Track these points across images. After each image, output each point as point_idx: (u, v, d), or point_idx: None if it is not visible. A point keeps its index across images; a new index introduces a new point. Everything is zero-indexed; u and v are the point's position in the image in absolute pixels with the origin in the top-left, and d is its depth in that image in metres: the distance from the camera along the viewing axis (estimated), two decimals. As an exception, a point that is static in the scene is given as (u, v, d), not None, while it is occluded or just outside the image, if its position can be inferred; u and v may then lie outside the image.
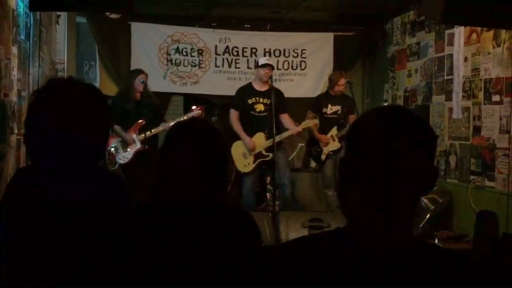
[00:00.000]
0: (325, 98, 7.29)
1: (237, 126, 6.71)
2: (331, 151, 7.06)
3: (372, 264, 1.21)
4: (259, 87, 6.72)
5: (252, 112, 6.69)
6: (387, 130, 1.24)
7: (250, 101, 6.70)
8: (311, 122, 6.88)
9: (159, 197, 1.90)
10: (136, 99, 6.68)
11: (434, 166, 1.29)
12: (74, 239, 1.53)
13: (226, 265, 1.76)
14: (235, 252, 1.78)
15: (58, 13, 6.15)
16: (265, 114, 6.63)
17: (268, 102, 6.60)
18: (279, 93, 6.75)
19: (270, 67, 6.69)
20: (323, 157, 7.11)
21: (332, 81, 7.28)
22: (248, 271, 1.47)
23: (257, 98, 6.69)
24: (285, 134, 6.74)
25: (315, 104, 7.39)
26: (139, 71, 6.83)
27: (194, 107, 6.96)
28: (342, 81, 7.14)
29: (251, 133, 6.68)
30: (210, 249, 1.78)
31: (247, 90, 6.80)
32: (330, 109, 7.17)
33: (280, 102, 6.68)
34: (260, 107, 6.69)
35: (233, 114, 6.77)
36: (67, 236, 1.52)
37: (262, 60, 6.88)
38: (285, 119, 6.76)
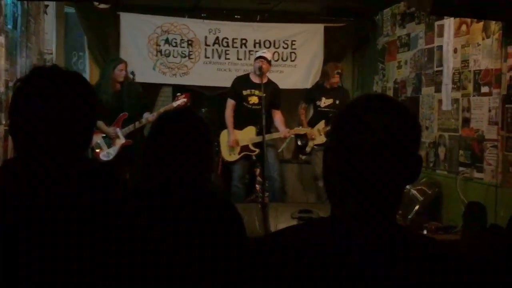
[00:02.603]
0: (319, 90, 7.28)
1: (229, 119, 6.71)
2: (316, 145, 7.06)
3: (357, 253, 1.21)
4: (255, 79, 6.72)
5: (245, 104, 6.69)
6: (371, 119, 1.24)
7: (245, 92, 6.70)
8: (303, 130, 6.92)
9: (146, 181, 2.00)
10: (114, 90, 6.53)
11: (418, 155, 1.29)
12: (61, 229, 1.51)
13: (207, 247, 1.83)
14: (215, 237, 1.84)
15: (46, 2, 6.11)
16: (258, 107, 6.63)
17: (262, 96, 6.60)
18: (275, 88, 6.76)
19: (263, 59, 6.67)
20: (308, 149, 7.14)
21: (327, 73, 7.27)
22: (231, 256, 1.48)
23: (252, 90, 6.70)
24: (274, 135, 6.77)
25: (307, 96, 7.40)
26: (119, 60, 6.70)
27: (179, 94, 6.90)
28: (336, 78, 7.15)
29: (242, 125, 6.68)
30: (192, 230, 1.85)
31: (243, 81, 6.81)
32: (324, 102, 7.16)
33: (275, 98, 6.69)
34: (254, 99, 6.69)
35: (229, 104, 6.80)
36: (54, 225, 1.51)
37: (259, 53, 6.90)
38: (277, 116, 6.78)
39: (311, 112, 7.47)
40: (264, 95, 6.51)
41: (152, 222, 1.82)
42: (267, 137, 6.53)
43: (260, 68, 6.59)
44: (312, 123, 7.14)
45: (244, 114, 6.69)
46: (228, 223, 1.93)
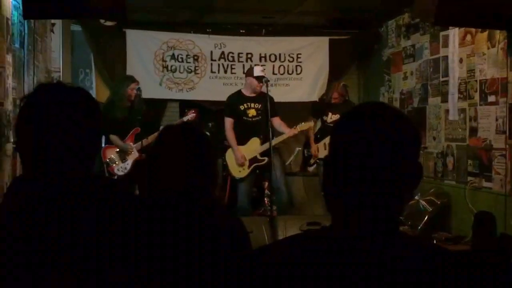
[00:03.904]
0: (325, 105, 7.28)
1: (230, 136, 6.73)
2: (319, 159, 7.07)
3: (360, 262, 1.20)
4: (249, 93, 6.76)
5: (245, 118, 6.71)
6: (370, 128, 1.24)
7: (242, 107, 6.73)
8: (306, 124, 6.86)
9: (151, 191, 2.09)
10: (127, 107, 6.66)
11: (418, 163, 1.29)
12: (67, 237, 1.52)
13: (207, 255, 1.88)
14: (219, 251, 1.86)
15: (52, 21, 6.16)
16: (257, 118, 6.67)
17: (260, 107, 6.64)
18: (269, 97, 6.76)
19: (264, 79, 6.70)
20: (312, 161, 7.14)
21: (328, 92, 7.34)
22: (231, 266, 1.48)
23: (249, 104, 6.72)
24: (281, 138, 6.74)
25: (315, 110, 7.42)
26: (131, 79, 6.83)
27: (187, 110, 6.99)
28: (336, 94, 7.16)
29: (245, 139, 6.69)
30: (195, 244, 1.90)
31: (237, 97, 6.83)
32: (330, 117, 7.17)
33: (271, 106, 6.70)
34: (252, 112, 6.72)
35: (228, 122, 6.79)
36: (65, 241, 1.52)
37: (257, 71, 6.84)
38: (277, 122, 6.78)
39: (318, 125, 7.47)
40: (261, 105, 6.57)
41: (153, 237, 1.83)
42: (276, 141, 6.56)
43: (258, 89, 6.65)
44: (319, 138, 7.13)
45: (246, 128, 6.72)
46: (233, 238, 1.94)
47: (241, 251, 1.92)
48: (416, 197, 5.93)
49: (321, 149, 7.05)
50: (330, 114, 7.16)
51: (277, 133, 6.80)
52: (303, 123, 6.87)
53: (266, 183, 6.92)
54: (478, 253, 4.55)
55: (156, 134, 6.44)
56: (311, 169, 7.39)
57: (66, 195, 1.56)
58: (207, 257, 1.85)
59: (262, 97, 6.66)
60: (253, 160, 6.69)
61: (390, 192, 1.24)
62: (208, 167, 2.12)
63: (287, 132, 6.72)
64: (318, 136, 7.18)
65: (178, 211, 1.97)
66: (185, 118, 6.78)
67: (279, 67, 8.44)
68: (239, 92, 6.90)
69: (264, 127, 6.53)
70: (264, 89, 6.67)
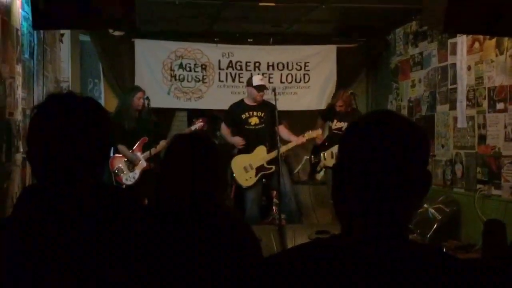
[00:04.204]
0: (333, 112, 7.28)
1: (226, 133, 6.84)
2: (326, 167, 7.06)
3: (368, 270, 1.20)
4: (250, 102, 6.79)
5: (247, 127, 6.73)
6: (377, 135, 1.24)
7: (243, 116, 6.74)
8: (314, 132, 6.85)
9: (160, 200, 2.11)
10: (135, 117, 6.68)
11: (427, 171, 1.28)
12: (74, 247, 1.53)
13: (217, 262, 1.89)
14: (231, 257, 1.87)
15: (61, 31, 6.20)
16: (260, 126, 6.68)
17: (263, 115, 6.65)
18: (272, 106, 6.76)
19: (264, 88, 6.73)
20: (318, 168, 7.12)
21: (335, 98, 7.35)
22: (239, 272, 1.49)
23: (250, 112, 6.74)
24: (288, 146, 6.74)
25: (323, 114, 7.43)
26: (138, 89, 6.86)
27: (195, 119, 7.01)
28: (340, 102, 7.15)
29: (251, 147, 6.70)
30: (207, 250, 1.92)
31: (239, 106, 6.86)
32: (335, 124, 7.16)
33: (274, 115, 6.70)
34: (254, 120, 6.74)
35: (224, 127, 6.91)
36: (77, 250, 1.52)
37: (256, 81, 6.85)
38: (282, 130, 6.76)
39: (326, 133, 7.47)
40: (263, 113, 6.62)
41: (167, 244, 1.84)
42: (285, 148, 6.57)
43: (258, 99, 6.69)
44: (326, 145, 7.12)
45: (249, 137, 6.72)
46: (244, 244, 1.95)
47: (245, 254, 1.93)
48: (425, 205, 5.92)
49: (329, 158, 7.03)
50: (335, 121, 7.15)
51: (283, 142, 6.79)
52: (310, 131, 6.87)
53: (275, 192, 6.91)
54: (488, 261, 4.53)
55: (164, 143, 6.54)
56: (319, 176, 7.37)
57: (76, 204, 1.57)
58: (207, 258, 1.86)
59: (265, 106, 6.68)
60: (260, 168, 6.68)
61: (396, 198, 1.24)
62: (216, 175, 2.13)
63: (294, 140, 6.72)
64: (326, 144, 7.17)
65: (182, 217, 1.99)
66: (193, 127, 6.79)
67: (287, 75, 8.45)
68: (241, 101, 6.92)
69: (268, 135, 6.53)
70: (266, 97, 6.71)
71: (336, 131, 7.09)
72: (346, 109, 7.14)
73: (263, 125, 6.66)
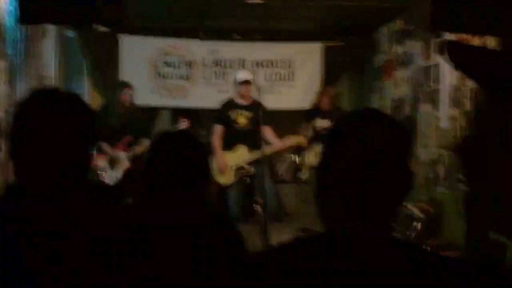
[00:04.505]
0: (315, 111, 7.31)
1: (216, 142, 6.71)
2: (310, 166, 7.08)
3: (351, 268, 1.21)
4: (240, 100, 6.75)
5: (234, 125, 6.71)
6: (363, 134, 1.26)
7: (232, 115, 6.72)
8: (296, 139, 6.87)
9: (145, 200, 2.11)
10: (121, 113, 6.60)
11: (409, 169, 1.30)
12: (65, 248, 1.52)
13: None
14: (216, 255, 1.89)
15: (47, 27, 6.15)
16: (248, 127, 6.65)
17: (250, 116, 6.62)
18: (261, 106, 6.75)
19: (248, 83, 6.69)
20: (302, 168, 7.15)
21: (317, 98, 7.38)
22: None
23: (240, 111, 6.71)
24: (270, 149, 6.73)
25: (305, 116, 7.45)
26: (126, 84, 6.78)
27: (181, 119, 6.97)
28: (325, 99, 7.18)
29: (233, 146, 6.68)
30: (191, 249, 1.92)
31: (229, 104, 6.82)
32: (319, 123, 7.19)
33: (262, 115, 6.69)
34: (242, 121, 6.71)
35: (217, 130, 6.78)
36: (58, 248, 1.52)
37: (239, 77, 6.84)
38: (267, 132, 6.75)
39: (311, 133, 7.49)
40: (252, 115, 6.54)
41: (150, 242, 1.84)
42: (268, 151, 6.54)
43: (242, 93, 6.64)
44: (310, 145, 7.15)
45: (234, 136, 6.71)
46: (229, 242, 1.96)
47: (230, 250, 1.94)
48: (408, 205, 5.96)
49: (312, 158, 7.06)
50: (319, 120, 7.18)
51: (266, 143, 6.79)
52: (293, 137, 6.89)
53: (256, 191, 6.91)
54: (468, 259, 4.57)
55: (147, 143, 6.48)
56: (302, 175, 7.39)
57: (60, 203, 1.57)
58: (192, 254, 1.87)
59: (255, 106, 6.65)
60: (240, 168, 6.68)
61: (379, 196, 1.25)
62: (202, 173, 2.14)
63: (276, 144, 6.72)
64: (309, 143, 7.19)
65: (168, 215, 1.99)
66: (177, 127, 6.75)
67: (272, 74, 8.45)
68: (231, 99, 6.90)
69: (253, 137, 6.51)
70: (253, 94, 6.67)
71: (319, 130, 7.13)
72: (330, 107, 7.18)
73: (250, 126, 6.63)
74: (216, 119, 6.87)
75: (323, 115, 7.17)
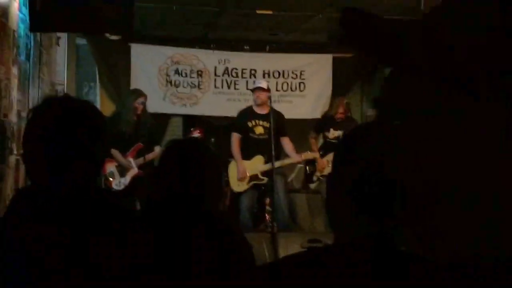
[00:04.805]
0: (328, 121, 7.28)
1: (236, 150, 6.71)
2: (322, 175, 7.07)
3: (363, 280, 1.20)
4: (259, 110, 6.72)
5: (252, 135, 6.70)
6: (372, 146, 1.25)
7: (250, 124, 6.71)
8: (311, 154, 6.92)
9: (152, 203, 2.13)
10: (134, 120, 6.61)
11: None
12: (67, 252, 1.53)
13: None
14: (224, 263, 1.88)
15: (58, 34, 6.20)
16: (264, 137, 6.62)
17: (268, 125, 6.59)
18: (279, 115, 6.76)
19: (260, 89, 6.68)
20: (314, 178, 7.14)
21: (332, 108, 7.35)
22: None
23: (257, 121, 6.70)
24: (285, 162, 6.74)
25: (317, 126, 7.43)
26: (139, 93, 6.78)
27: (192, 128, 6.97)
28: (341, 109, 7.17)
29: (250, 155, 6.68)
30: (200, 255, 1.92)
31: (247, 113, 6.81)
32: (332, 133, 7.16)
33: (281, 125, 6.69)
34: (259, 130, 6.69)
35: (235, 137, 6.75)
36: (69, 251, 1.53)
37: (256, 83, 6.90)
38: (286, 143, 6.75)
39: (321, 142, 7.49)
40: (269, 124, 6.52)
41: (160, 249, 1.84)
42: (278, 164, 6.53)
43: (259, 98, 6.63)
44: (321, 154, 7.12)
45: (251, 145, 6.70)
46: (237, 250, 1.96)
47: (237, 259, 1.94)
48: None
49: (326, 166, 7.05)
50: (332, 130, 7.17)
51: (283, 153, 6.80)
52: (309, 152, 6.93)
53: (268, 200, 6.91)
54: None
55: (158, 150, 6.50)
56: (312, 185, 7.39)
57: (70, 207, 1.58)
58: (199, 262, 1.88)
59: (272, 116, 6.60)
60: (254, 177, 6.68)
61: (389, 207, 1.25)
62: (210, 180, 2.14)
63: (293, 157, 6.73)
64: (321, 152, 7.18)
65: (174, 221, 2.00)
66: (189, 136, 6.78)
67: (283, 83, 8.47)
68: (250, 107, 6.88)
69: (270, 146, 6.47)
70: (272, 105, 6.68)
71: (333, 140, 7.11)
72: (343, 116, 7.15)
73: (267, 136, 6.60)
74: (234, 127, 6.87)
75: (336, 125, 7.14)
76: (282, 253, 5.34)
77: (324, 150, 7.16)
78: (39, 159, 1.60)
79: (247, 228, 6.45)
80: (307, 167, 7.27)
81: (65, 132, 1.59)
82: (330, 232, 1.33)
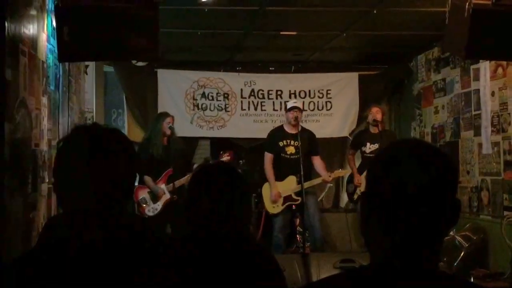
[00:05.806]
0: (364, 136, 7.17)
1: (269, 172, 6.68)
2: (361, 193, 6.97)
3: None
4: (290, 129, 6.70)
5: (283, 155, 6.68)
6: (408, 165, 1.24)
7: (281, 144, 6.69)
8: (342, 172, 6.88)
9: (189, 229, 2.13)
10: (163, 144, 6.66)
11: (457, 199, 1.27)
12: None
13: None
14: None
15: (86, 63, 6.29)
16: (296, 156, 6.59)
17: (298, 145, 6.57)
18: (311, 135, 6.75)
19: (297, 109, 6.67)
20: (355, 196, 7.03)
21: (367, 117, 7.24)
22: None
23: (288, 141, 6.68)
24: (315, 181, 6.70)
25: (354, 142, 7.36)
26: (166, 114, 6.84)
27: (222, 152, 6.98)
28: (380, 114, 7.02)
29: (282, 176, 6.66)
30: (232, 281, 1.91)
31: (278, 133, 6.80)
32: (369, 147, 7.03)
33: (312, 144, 6.67)
34: (291, 150, 6.66)
35: (267, 157, 6.73)
36: (103, 278, 1.53)
37: (289, 104, 6.87)
38: (317, 162, 6.73)
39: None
40: (300, 143, 6.50)
41: (192, 273, 1.84)
42: (308, 184, 6.50)
43: (296, 118, 6.60)
44: (360, 170, 7.01)
45: (284, 165, 6.68)
46: (268, 275, 1.94)
47: (269, 284, 1.93)
48: (452, 233, 5.83)
49: (363, 182, 6.97)
50: (368, 144, 7.04)
51: (315, 172, 6.77)
52: (340, 169, 6.92)
53: (298, 220, 6.86)
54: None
55: (187, 176, 6.52)
56: (343, 205, 7.33)
57: (102, 235, 1.58)
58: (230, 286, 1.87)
59: (303, 135, 6.59)
60: (288, 198, 6.65)
61: (425, 228, 1.23)
62: (241, 204, 2.14)
63: (323, 175, 6.69)
64: (360, 168, 7.07)
65: (205, 246, 1.99)
66: (219, 160, 6.79)
67: (309, 103, 8.47)
68: (281, 127, 6.87)
69: (302, 166, 6.44)
70: (306, 125, 6.66)
71: (371, 154, 6.96)
72: (380, 129, 6.97)
73: (298, 155, 6.57)
74: (266, 147, 6.86)
75: (372, 138, 6.99)
76: (314, 273, 5.28)
77: (362, 165, 7.05)
78: (70, 188, 1.61)
79: (280, 249, 6.42)
80: (349, 186, 7.18)
81: (95, 160, 1.60)
82: (363, 251, 1.32)
